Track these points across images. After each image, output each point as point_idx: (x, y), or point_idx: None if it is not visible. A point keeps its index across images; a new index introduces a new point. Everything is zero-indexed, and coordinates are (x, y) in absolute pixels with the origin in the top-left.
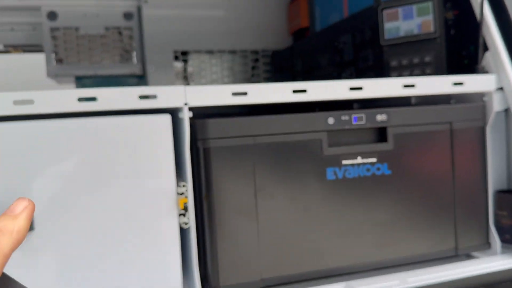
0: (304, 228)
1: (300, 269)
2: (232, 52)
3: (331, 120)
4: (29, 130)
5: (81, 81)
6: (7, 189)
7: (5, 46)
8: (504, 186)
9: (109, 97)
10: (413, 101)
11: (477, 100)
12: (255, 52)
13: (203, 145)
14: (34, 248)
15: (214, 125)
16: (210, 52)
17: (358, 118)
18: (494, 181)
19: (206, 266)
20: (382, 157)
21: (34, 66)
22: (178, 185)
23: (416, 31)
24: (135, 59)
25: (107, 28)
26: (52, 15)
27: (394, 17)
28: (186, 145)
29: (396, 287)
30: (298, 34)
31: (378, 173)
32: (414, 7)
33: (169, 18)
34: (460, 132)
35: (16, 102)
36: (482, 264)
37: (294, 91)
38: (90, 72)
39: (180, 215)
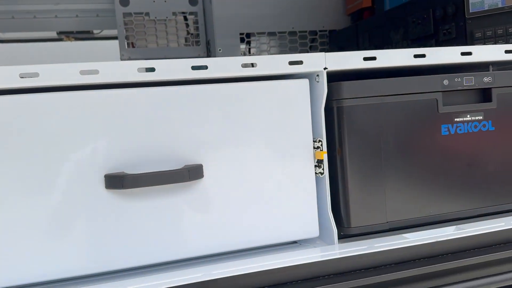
0: (422, 178)
1: (419, 214)
2: (292, 33)
3: (446, 82)
4: (199, 92)
5: None
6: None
7: (58, 33)
8: None
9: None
10: (491, 69)
11: None
12: (313, 32)
13: (337, 104)
14: (203, 193)
15: (347, 87)
16: (272, 33)
17: (468, 80)
18: None
19: (339, 210)
20: (487, 115)
21: (101, 52)
22: (314, 141)
23: (500, 4)
24: (200, 42)
25: (174, 13)
26: (124, 2)
27: None
28: (322, 105)
29: (501, 228)
30: (357, 14)
31: (484, 129)
32: None
33: (234, 2)
34: None
35: (141, 70)
36: None
37: (416, 55)
38: (159, 55)
39: (315, 166)
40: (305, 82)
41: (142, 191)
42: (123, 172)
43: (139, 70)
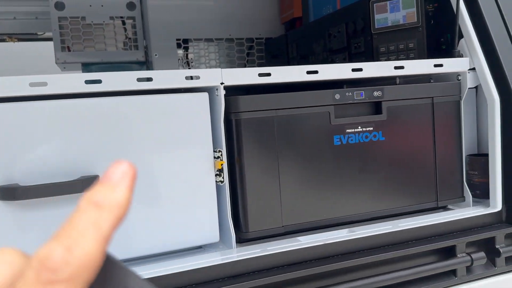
0: (316, 184)
1: (313, 218)
2: (229, 40)
3: (337, 96)
4: (104, 106)
5: (88, 68)
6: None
7: (0, 34)
8: (474, 151)
9: (162, 77)
10: (397, 81)
11: (453, 79)
12: (250, 39)
13: (235, 117)
14: None
15: (244, 101)
16: (209, 40)
17: (359, 94)
18: (466, 146)
19: (238, 216)
20: (377, 126)
21: (38, 54)
22: (214, 151)
23: (401, 21)
24: (138, 47)
25: (111, 18)
26: (59, 5)
27: (383, 10)
28: (221, 117)
29: (389, 231)
30: (290, 24)
31: (374, 139)
32: (400, 1)
33: (171, 8)
34: (439, 105)
35: (87, 82)
36: (457, 213)
37: (308, 72)
38: (96, 59)
39: (216, 175)
40: (204, 95)
41: (39, 201)
42: (17, 184)
43: (86, 82)
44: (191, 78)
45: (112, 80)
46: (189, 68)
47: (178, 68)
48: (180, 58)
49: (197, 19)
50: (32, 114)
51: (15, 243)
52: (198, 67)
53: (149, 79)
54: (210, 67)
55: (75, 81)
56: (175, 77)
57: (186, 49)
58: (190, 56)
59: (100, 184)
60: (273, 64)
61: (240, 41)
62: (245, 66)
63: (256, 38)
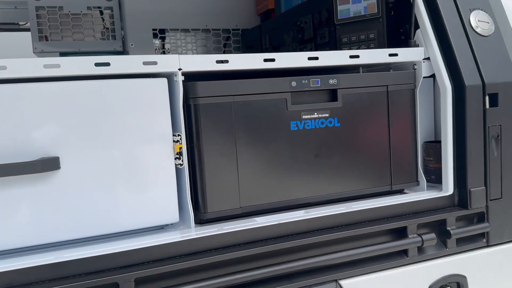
0: (273, 168)
1: (270, 200)
2: (206, 30)
3: (294, 83)
4: (63, 90)
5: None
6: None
7: None
8: (431, 138)
9: (120, 63)
10: (361, 71)
11: (410, 68)
12: (227, 30)
13: (194, 102)
14: (60, 183)
15: (202, 87)
16: (186, 30)
17: (315, 82)
18: (423, 134)
19: (197, 198)
20: (333, 113)
21: (19, 44)
22: (174, 135)
23: (363, 12)
24: (115, 37)
25: (89, 8)
26: None
27: (346, 1)
28: (180, 102)
29: (343, 211)
30: (265, 15)
31: (330, 125)
32: None
33: None
34: (394, 93)
35: (45, 66)
36: (410, 196)
37: (265, 60)
38: (74, 48)
39: (175, 158)
40: (162, 81)
41: (5, 180)
42: None
43: (45, 66)
44: (149, 63)
45: (70, 64)
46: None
47: None
48: (157, 48)
49: (174, 10)
50: None
51: None
52: None
53: (106, 64)
54: None
55: (34, 65)
56: (133, 62)
57: (162, 39)
58: (166, 46)
59: None
60: None
61: (216, 31)
62: None
63: (233, 29)
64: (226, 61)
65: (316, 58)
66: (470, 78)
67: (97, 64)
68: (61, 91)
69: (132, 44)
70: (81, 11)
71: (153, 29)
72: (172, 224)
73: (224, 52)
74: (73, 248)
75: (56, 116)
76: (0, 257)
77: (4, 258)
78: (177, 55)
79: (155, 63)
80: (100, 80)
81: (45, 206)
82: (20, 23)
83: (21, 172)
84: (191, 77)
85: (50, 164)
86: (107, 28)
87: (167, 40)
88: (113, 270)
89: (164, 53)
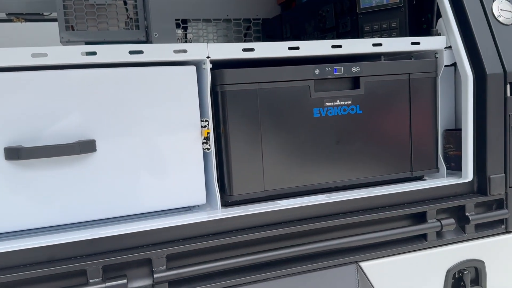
0: (296, 153)
1: (293, 184)
2: (227, 20)
3: (317, 71)
4: (99, 76)
5: None
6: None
7: (7, 14)
8: (452, 126)
9: (153, 51)
10: (382, 59)
11: (431, 56)
12: (247, 20)
13: (221, 89)
14: (96, 165)
15: (229, 74)
16: (207, 20)
17: (338, 69)
18: (443, 121)
19: (223, 181)
20: (355, 100)
21: (44, 34)
22: (201, 120)
23: (385, 1)
24: (139, 27)
25: None
26: None
27: None
28: (207, 90)
29: (364, 196)
30: (286, 4)
31: (352, 112)
32: None
33: None
34: (416, 81)
35: (83, 53)
36: (430, 183)
37: (290, 48)
38: (99, 38)
39: (203, 142)
40: (191, 68)
41: (40, 162)
42: (21, 145)
43: (82, 53)
44: (179, 51)
45: (106, 52)
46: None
47: None
48: (179, 38)
49: (196, 1)
50: (34, 83)
51: (19, 200)
52: None
53: (140, 52)
54: None
55: (73, 52)
56: (164, 50)
57: (185, 29)
58: (189, 36)
59: None
60: None
61: (237, 21)
62: None
63: (253, 19)
64: (252, 49)
65: (340, 46)
66: (491, 66)
67: (131, 52)
68: (97, 77)
69: (155, 34)
70: (106, 2)
71: (176, 19)
72: (199, 206)
73: (244, 42)
74: (108, 226)
75: (92, 101)
76: (42, 234)
77: (45, 234)
78: (205, 43)
79: (185, 51)
80: (134, 67)
81: (82, 187)
82: (45, 13)
83: (61, 153)
84: (217, 65)
85: (87, 146)
86: (131, 18)
87: (189, 30)
88: (146, 246)
89: (186, 42)
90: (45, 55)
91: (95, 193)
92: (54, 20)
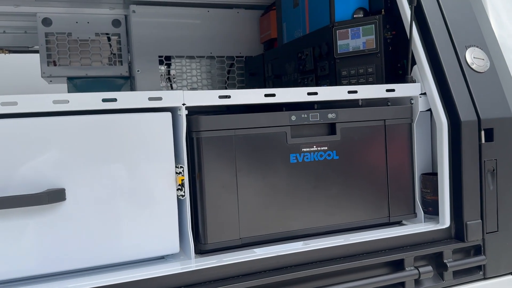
0: (273, 200)
1: (270, 231)
2: (210, 57)
3: (293, 117)
4: (71, 124)
5: (73, 82)
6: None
7: None
8: (429, 170)
9: (126, 98)
10: (360, 103)
11: (407, 102)
12: (231, 57)
13: (196, 135)
14: (65, 214)
15: (204, 121)
16: (191, 57)
17: (314, 116)
18: (420, 166)
19: (198, 228)
20: (332, 146)
21: (29, 65)
22: (176, 166)
23: (361, 47)
24: (122, 62)
25: (97, 34)
26: (47, 21)
27: (345, 36)
28: (183, 136)
29: (341, 244)
30: (269, 43)
31: (329, 158)
32: (361, 28)
33: (154, 26)
34: (392, 127)
35: (55, 102)
36: (407, 228)
37: (266, 95)
38: (81, 73)
39: (177, 189)
40: (167, 115)
41: (6, 212)
42: None
43: (54, 102)
44: (154, 99)
45: (78, 100)
46: (171, 84)
47: (161, 83)
48: (162, 74)
49: (180, 37)
50: (3, 132)
51: None
52: (180, 83)
53: (113, 100)
54: (192, 83)
55: (44, 101)
56: (138, 98)
57: (168, 65)
58: (172, 72)
59: None
60: (252, 82)
61: (221, 58)
62: (225, 83)
63: (237, 57)
64: (229, 97)
65: (315, 93)
66: (465, 113)
67: (104, 100)
68: (69, 125)
69: (138, 70)
70: (89, 37)
71: (159, 56)
72: (172, 254)
73: (228, 79)
74: (74, 278)
75: (63, 149)
76: (6, 286)
77: (15, 286)
78: (181, 91)
79: (160, 98)
80: (108, 114)
81: (49, 236)
82: (29, 46)
83: (28, 204)
84: (193, 110)
85: (56, 195)
86: (114, 54)
87: (172, 66)
88: None
89: (169, 79)
90: (15, 103)
91: (62, 244)
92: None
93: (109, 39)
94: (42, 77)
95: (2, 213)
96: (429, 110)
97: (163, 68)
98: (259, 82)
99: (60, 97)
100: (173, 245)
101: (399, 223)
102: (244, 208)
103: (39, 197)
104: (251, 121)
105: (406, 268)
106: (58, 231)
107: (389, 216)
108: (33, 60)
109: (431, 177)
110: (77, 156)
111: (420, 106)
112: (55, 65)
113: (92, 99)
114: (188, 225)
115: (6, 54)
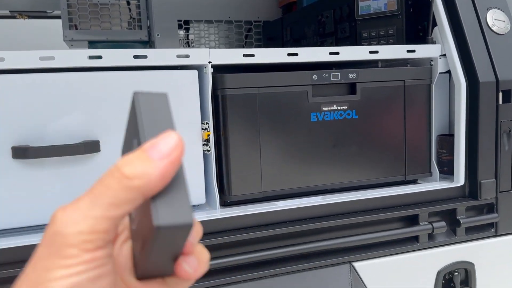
0: (293, 156)
1: (290, 185)
2: (228, 22)
3: (315, 77)
4: (105, 79)
5: (94, 46)
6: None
7: (11, 11)
8: (446, 131)
9: (156, 55)
10: (380, 64)
11: (427, 63)
12: (249, 22)
13: (221, 92)
14: (100, 165)
15: (229, 79)
16: (209, 22)
17: (335, 75)
18: (437, 127)
19: (222, 182)
20: (351, 105)
21: (48, 31)
22: (202, 123)
23: (383, 9)
24: (141, 27)
25: None
26: None
27: None
28: (209, 93)
29: (358, 198)
30: (287, 7)
31: (348, 117)
32: None
33: None
34: (411, 88)
35: (90, 57)
36: (422, 186)
37: (289, 54)
38: (102, 37)
39: (203, 144)
40: (194, 73)
41: (46, 161)
42: (28, 145)
43: (88, 57)
44: (182, 56)
45: (111, 56)
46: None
47: (179, 48)
48: (181, 39)
49: (198, 1)
50: (42, 85)
51: (25, 197)
52: (198, 48)
53: (144, 56)
54: (210, 48)
55: (79, 56)
56: (167, 55)
57: (187, 30)
58: (190, 37)
59: (140, 150)
60: (269, 47)
61: (239, 23)
62: (243, 48)
63: (255, 21)
64: (253, 55)
65: (337, 53)
66: (484, 75)
67: (135, 56)
68: (103, 80)
69: (158, 35)
70: (109, 1)
71: (178, 20)
72: (198, 205)
73: (245, 44)
74: None
75: (97, 103)
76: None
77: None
78: (208, 49)
79: (187, 56)
80: (138, 71)
81: (85, 186)
82: (48, 10)
83: (66, 153)
84: (218, 69)
85: (92, 147)
86: (134, 18)
87: (191, 31)
88: None
89: (188, 43)
90: (52, 58)
91: None
92: (58, 17)
93: (128, 3)
94: (64, 40)
95: (41, 162)
96: (448, 72)
97: (181, 32)
98: (277, 47)
99: (94, 52)
100: (200, 196)
101: (414, 182)
102: (266, 163)
103: (76, 147)
104: (274, 80)
105: (420, 223)
106: (92, 181)
107: (405, 175)
108: (52, 25)
109: (447, 138)
110: (109, 111)
111: (440, 67)
112: (76, 29)
113: (124, 56)
114: (214, 178)
115: (26, 19)
